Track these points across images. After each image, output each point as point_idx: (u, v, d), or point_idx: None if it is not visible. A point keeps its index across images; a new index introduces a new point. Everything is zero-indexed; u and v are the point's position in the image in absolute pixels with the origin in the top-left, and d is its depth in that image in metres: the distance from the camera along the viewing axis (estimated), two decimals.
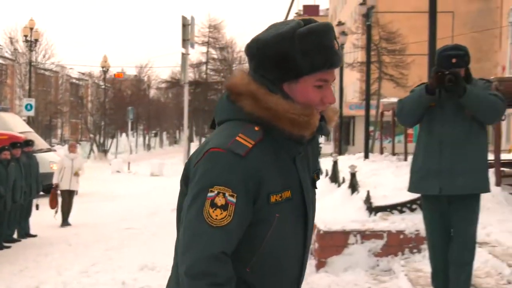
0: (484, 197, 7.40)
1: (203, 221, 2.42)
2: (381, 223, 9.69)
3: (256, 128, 2.51)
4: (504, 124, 31.70)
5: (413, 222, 9.25)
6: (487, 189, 6.52)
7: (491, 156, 9.69)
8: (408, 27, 43.96)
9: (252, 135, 2.49)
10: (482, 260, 8.30)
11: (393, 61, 45.89)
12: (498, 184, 12.29)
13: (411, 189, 6.75)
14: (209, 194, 2.43)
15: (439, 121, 6.25)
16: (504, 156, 19.21)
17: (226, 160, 2.44)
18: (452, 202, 6.14)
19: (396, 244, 9.33)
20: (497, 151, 13.63)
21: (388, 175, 14.23)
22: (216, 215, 2.41)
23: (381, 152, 30.83)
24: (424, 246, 7.99)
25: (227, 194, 2.42)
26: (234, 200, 2.42)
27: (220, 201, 2.42)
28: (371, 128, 37.59)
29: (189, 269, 2.42)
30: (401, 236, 9.37)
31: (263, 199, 2.49)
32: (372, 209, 10.11)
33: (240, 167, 2.44)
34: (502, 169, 13.81)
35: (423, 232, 7.46)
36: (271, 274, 2.61)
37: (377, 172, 15.63)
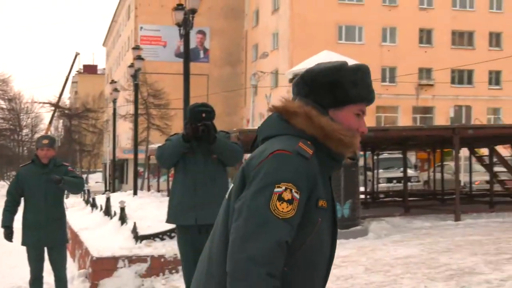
0: None
1: (269, 213, 2.36)
2: (145, 249, 9.66)
3: (309, 142, 2.50)
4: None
5: (172, 248, 9.31)
6: None
7: None
8: (171, 86, 44.54)
9: (309, 146, 2.47)
10: None
11: (159, 114, 46.47)
12: None
13: (169, 220, 6.83)
14: (276, 189, 2.37)
15: (193, 164, 6.44)
16: None
17: (294, 161, 2.41)
18: (203, 230, 6.30)
19: (158, 266, 9.35)
20: None
21: (153, 209, 14.31)
22: (283, 208, 2.36)
23: (148, 189, 30.82)
24: (181, 267, 8.10)
25: (293, 190, 2.37)
26: (298, 196, 2.38)
27: (287, 196, 2.37)
28: (141, 169, 37.50)
29: (257, 256, 2.32)
30: (162, 260, 9.41)
31: (312, 202, 2.46)
32: (138, 238, 10.04)
33: (305, 168, 2.42)
34: None
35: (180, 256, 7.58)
36: (306, 278, 2.55)
37: (143, 206, 15.66)
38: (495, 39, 52.84)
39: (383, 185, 23.81)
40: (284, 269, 2.42)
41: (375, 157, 21.36)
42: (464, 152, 22.56)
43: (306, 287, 2.59)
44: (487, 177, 20.85)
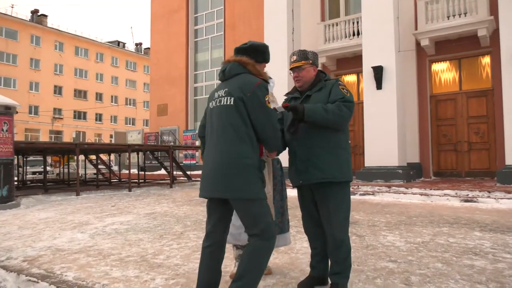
0: None
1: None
2: None
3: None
4: None
5: None
6: None
7: None
8: None
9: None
10: None
11: None
12: None
13: None
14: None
15: None
16: None
17: None
18: None
19: None
20: None
21: None
22: None
23: None
24: None
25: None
26: None
27: None
28: None
29: None
30: None
31: None
32: None
33: None
34: None
35: None
36: None
37: None
38: None
39: (30, 176, 21.29)
40: None
41: (24, 159, 18.76)
42: (81, 157, 21.75)
43: None
44: (94, 171, 20.60)
